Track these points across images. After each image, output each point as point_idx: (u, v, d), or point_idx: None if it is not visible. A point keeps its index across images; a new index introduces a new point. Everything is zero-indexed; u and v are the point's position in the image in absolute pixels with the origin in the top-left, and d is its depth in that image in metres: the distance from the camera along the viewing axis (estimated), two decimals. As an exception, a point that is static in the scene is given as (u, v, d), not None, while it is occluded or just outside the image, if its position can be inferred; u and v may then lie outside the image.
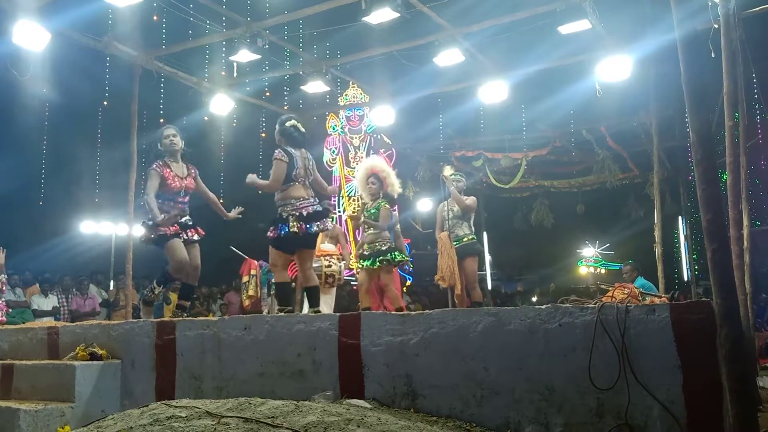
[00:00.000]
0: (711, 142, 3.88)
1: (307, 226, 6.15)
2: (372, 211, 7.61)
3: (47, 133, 17.32)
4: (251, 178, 6.37)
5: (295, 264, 8.34)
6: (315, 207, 6.27)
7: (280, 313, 5.85)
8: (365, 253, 7.61)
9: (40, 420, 4.92)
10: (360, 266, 7.81)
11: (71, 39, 9.56)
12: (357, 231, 8.14)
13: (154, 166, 6.61)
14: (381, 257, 7.46)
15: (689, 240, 15.98)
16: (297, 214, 6.15)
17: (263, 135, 17.20)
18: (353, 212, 7.92)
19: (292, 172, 6.22)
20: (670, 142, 13.32)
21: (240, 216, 7.09)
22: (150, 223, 6.54)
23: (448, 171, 8.65)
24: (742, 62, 6.50)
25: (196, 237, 6.82)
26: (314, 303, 6.32)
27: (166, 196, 6.66)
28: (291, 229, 6.10)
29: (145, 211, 6.77)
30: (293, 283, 8.63)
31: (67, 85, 14.45)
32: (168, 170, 6.66)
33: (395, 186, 7.84)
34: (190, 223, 6.82)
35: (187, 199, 6.86)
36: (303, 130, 6.47)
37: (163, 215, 6.45)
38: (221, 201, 7.39)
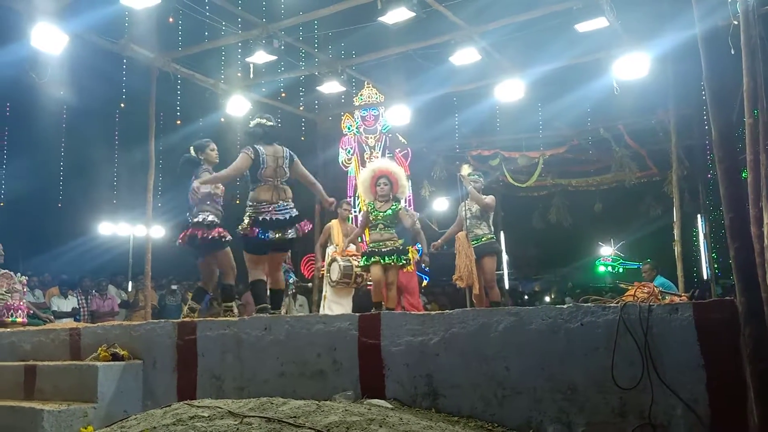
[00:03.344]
0: (733, 141, 3.85)
1: (261, 231, 6.04)
2: (387, 213, 7.41)
3: (65, 136, 17.42)
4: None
5: (310, 264, 8.34)
6: (281, 214, 6.15)
7: (257, 313, 5.96)
8: (383, 249, 7.31)
9: (63, 420, 4.97)
10: (376, 261, 7.39)
11: (89, 41, 9.64)
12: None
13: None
14: (404, 256, 7.38)
15: (708, 238, 15.83)
16: (254, 217, 6.09)
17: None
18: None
19: (257, 172, 6.16)
20: (688, 140, 13.19)
21: None
22: (209, 220, 6.60)
23: (465, 170, 8.53)
24: (762, 59, 6.43)
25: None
26: (275, 306, 6.45)
27: (215, 199, 6.91)
28: (239, 230, 6.13)
29: (181, 212, 7.02)
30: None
31: (85, 88, 14.50)
32: None
33: (405, 188, 7.70)
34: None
35: None
36: (270, 123, 6.41)
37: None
38: (237, 202, 7.49)
